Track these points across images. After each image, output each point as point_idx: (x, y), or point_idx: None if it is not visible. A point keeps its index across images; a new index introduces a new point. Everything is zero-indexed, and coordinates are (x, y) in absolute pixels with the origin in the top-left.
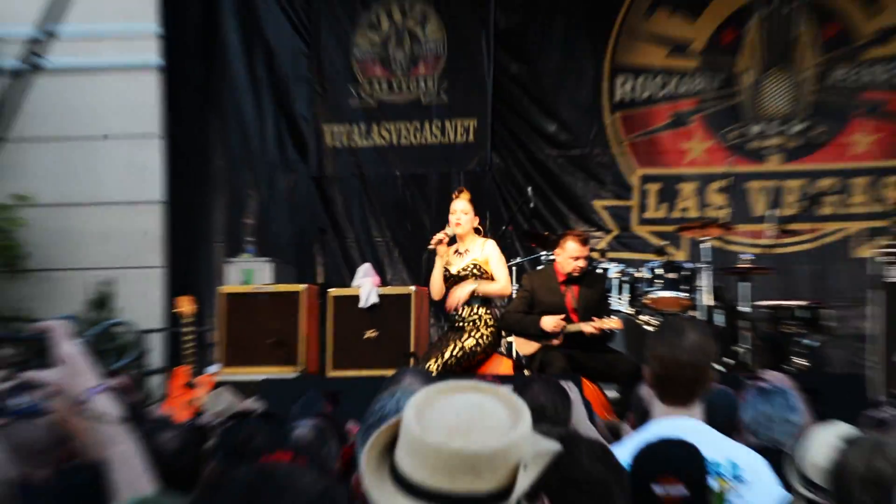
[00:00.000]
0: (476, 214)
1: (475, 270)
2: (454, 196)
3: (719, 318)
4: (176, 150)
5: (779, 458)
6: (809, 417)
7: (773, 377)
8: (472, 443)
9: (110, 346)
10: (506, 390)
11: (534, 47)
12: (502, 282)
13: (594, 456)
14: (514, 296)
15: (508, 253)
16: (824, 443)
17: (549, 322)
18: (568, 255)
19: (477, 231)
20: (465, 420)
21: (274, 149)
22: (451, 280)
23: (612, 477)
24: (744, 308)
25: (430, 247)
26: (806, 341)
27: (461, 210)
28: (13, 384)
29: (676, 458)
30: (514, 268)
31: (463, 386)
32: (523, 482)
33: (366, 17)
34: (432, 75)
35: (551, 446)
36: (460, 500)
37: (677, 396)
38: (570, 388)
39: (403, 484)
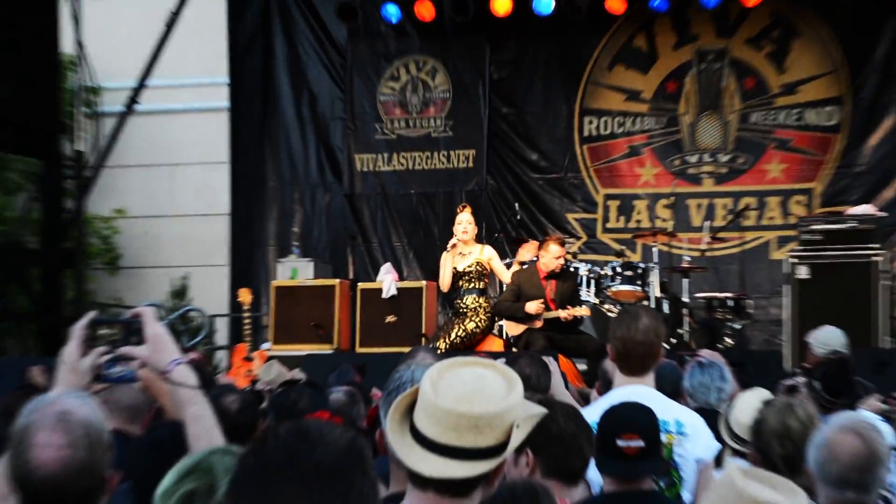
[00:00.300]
0: (475, 224)
1: (478, 268)
2: (459, 210)
3: (666, 307)
4: (238, 174)
5: (713, 417)
6: (736, 385)
7: (709, 354)
8: (475, 407)
9: (186, 327)
10: (502, 364)
11: (520, 94)
12: (507, 276)
13: (568, 416)
14: (504, 289)
15: (499, 255)
16: (748, 405)
17: (532, 306)
18: (551, 256)
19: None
20: (470, 389)
21: (315, 173)
22: (458, 276)
23: (583, 433)
24: (684, 299)
25: (447, 251)
26: (733, 325)
27: (466, 221)
28: (112, 357)
29: (635, 418)
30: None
31: (468, 361)
32: (516, 438)
33: (388, 70)
34: (440, 115)
35: (539, 410)
36: (465, 452)
37: (634, 369)
38: (549, 362)
39: (420, 439)
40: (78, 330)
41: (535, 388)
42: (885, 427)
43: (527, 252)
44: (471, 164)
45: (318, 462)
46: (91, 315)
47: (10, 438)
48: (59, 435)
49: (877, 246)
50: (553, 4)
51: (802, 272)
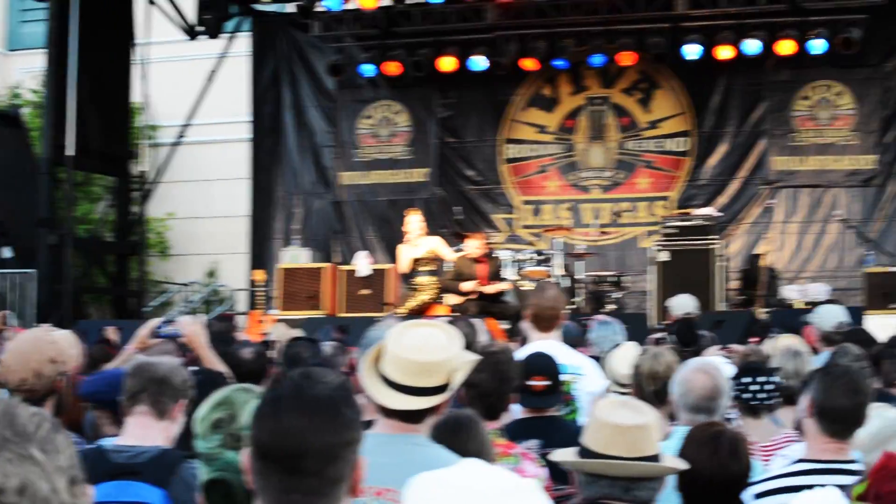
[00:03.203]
0: (427, 224)
1: (428, 255)
2: (408, 214)
3: (566, 282)
4: (256, 186)
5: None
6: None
7: (607, 316)
8: (427, 355)
9: (216, 298)
10: (446, 324)
11: (460, 128)
12: (451, 257)
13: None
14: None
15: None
16: (622, 358)
17: (467, 286)
18: (473, 247)
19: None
20: (422, 343)
21: (311, 185)
22: (414, 261)
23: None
24: (579, 276)
25: (404, 244)
26: (613, 295)
27: (416, 221)
28: (164, 319)
29: (542, 364)
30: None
31: (421, 323)
32: (457, 379)
33: (365, 111)
34: (402, 144)
35: (473, 357)
36: (420, 390)
37: (544, 327)
38: (479, 323)
39: (386, 381)
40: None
41: (468, 343)
42: (726, 368)
43: (472, 242)
44: (425, 179)
45: (317, 395)
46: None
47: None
48: None
49: (715, 237)
50: (484, 63)
51: (663, 256)
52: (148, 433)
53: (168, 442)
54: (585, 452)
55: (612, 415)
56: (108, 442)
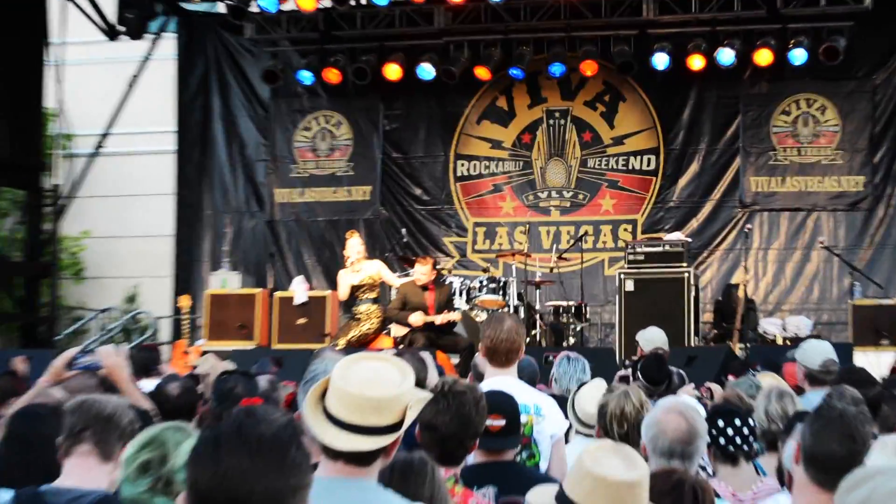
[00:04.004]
0: (368, 246)
1: (370, 281)
2: (347, 236)
3: (522, 313)
4: (182, 203)
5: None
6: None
7: (573, 352)
8: (376, 391)
9: (136, 326)
10: (397, 359)
11: (407, 142)
12: (396, 282)
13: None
14: (393, 297)
15: (391, 270)
16: (589, 395)
17: (415, 319)
18: (419, 272)
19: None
20: (372, 377)
21: (243, 203)
22: (354, 288)
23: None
24: (537, 306)
25: (345, 269)
26: (574, 327)
27: (357, 243)
28: (82, 349)
29: (499, 402)
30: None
31: (369, 356)
32: (410, 417)
33: (302, 122)
34: (343, 158)
35: (425, 394)
36: (369, 429)
37: (500, 362)
38: (427, 357)
39: (332, 419)
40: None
41: (418, 380)
42: (701, 409)
43: (419, 268)
44: (368, 198)
45: (262, 434)
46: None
47: None
48: None
49: (687, 265)
50: (433, 71)
51: (629, 285)
52: (90, 476)
53: (111, 486)
54: (563, 499)
55: (600, 465)
56: (46, 485)
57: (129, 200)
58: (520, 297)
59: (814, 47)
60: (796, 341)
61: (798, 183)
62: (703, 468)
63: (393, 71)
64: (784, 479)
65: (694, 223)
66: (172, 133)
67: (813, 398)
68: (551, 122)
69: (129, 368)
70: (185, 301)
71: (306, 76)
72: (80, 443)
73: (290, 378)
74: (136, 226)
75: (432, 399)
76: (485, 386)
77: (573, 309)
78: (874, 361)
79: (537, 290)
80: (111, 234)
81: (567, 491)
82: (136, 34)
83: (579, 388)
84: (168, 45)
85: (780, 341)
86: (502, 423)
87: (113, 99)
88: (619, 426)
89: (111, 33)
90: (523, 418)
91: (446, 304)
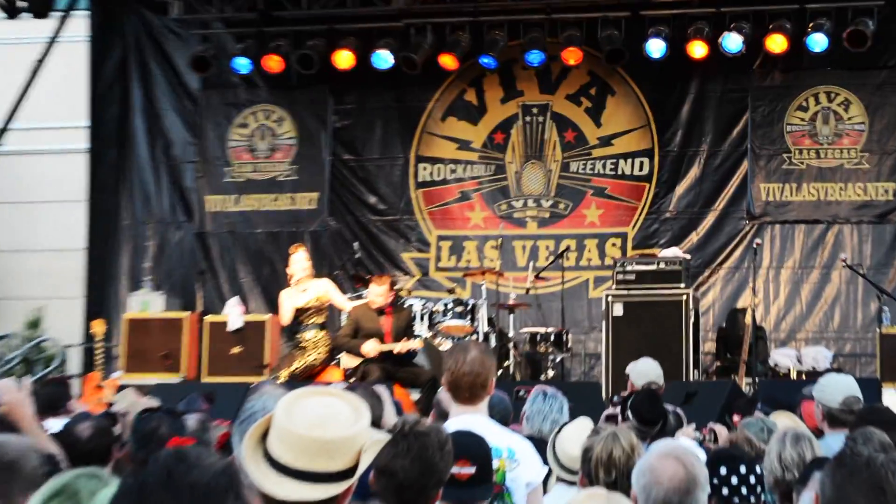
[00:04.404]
0: (315, 263)
1: (317, 303)
2: (292, 251)
3: (493, 341)
4: (94, 211)
5: (542, 445)
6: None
7: (551, 388)
8: (327, 432)
9: (40, 356)
10: (350, 394)
11: (360, 142)
12: (346, 305)
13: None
14: (343, 322)
15: (340, 290)
16: (573, 436)
17: (368, 347)
18: (374, 294)
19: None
20: (321, 415)
21: (167, 211)
22: (299, 312)
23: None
24: (510, 333)
25: (288, 288)
26: (554, 357)
27: (303, 259)
28: None
29: (467, 446)
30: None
31: (318, 391)
32: (364, 462)
33: (238, 118)
34: (286, 160)
35: (383, 435)
36: (317, 476)
37: (464, 398)
38: (382, 392)
39: (274, 464)
40: None
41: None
42: (701, 453)
43: (375, 288)
44: (314, 206)
45: (194, 482)
46: None
47: None
48: None
49: (685, 286)
50: (391, 60)
51: (618, 309)
52: None
53: None
54: None
55: None
56: None
57: (31, 208)
58: (490, 322)
59: (836, 31)
60: (813, 375)
61: (816, 191)
62: None
63: (344, 59)
64: None
65: (693, 237)
66: (84, 129)
67: (832, 442)
68: (528, 119)
69: (33, 405)
70: (98, 326)
71: (242, 64)
72: None
73: (223, 417)
74: (40, 238)
75: (390, 440)
76: (450, 426)
77: (552, 336)
78: None
79: (511, 315)
80: (10, 248)
81: None
82: (40, 11)
83: (560, 428)
84: (79, 24)
85: (794, 375)
86: (472, 470)
87: (13, 88)
88: (605, 473)
89: (10, 9)
90: (495, 463)
91: (405, 331)
